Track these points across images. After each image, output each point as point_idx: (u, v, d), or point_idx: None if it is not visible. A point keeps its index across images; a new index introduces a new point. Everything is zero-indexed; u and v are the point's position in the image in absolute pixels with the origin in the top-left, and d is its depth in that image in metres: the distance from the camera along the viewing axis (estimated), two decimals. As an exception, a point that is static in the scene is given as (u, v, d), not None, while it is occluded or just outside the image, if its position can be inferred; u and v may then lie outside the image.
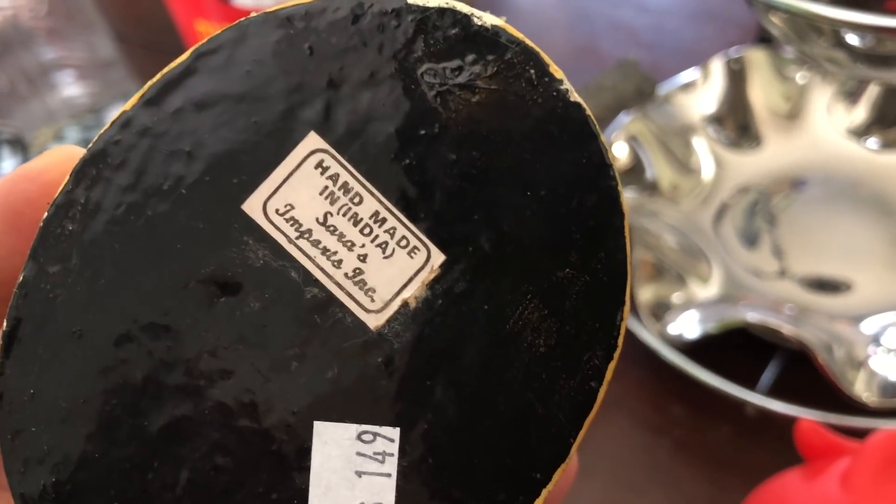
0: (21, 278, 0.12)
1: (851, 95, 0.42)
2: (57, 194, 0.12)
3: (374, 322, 0.12)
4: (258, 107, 0.12)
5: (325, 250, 0.12)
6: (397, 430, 0.12)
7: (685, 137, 0.42)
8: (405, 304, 0.12)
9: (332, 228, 0.12)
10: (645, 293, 0.35)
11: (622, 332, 0.12)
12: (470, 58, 0.12)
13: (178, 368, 0.12)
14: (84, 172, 0.12)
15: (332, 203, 0.12)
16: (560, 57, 0.52)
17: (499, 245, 0.12)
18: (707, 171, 0.41)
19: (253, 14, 0.12)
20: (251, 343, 0.12)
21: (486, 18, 0.12)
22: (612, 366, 0.12)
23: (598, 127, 0.12)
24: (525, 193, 0.12)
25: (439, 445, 0.12)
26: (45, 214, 0.12)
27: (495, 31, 0.12)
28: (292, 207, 0.12)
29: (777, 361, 0.34)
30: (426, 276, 0.12)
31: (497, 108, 0.12)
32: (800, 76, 0.42)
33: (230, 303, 0.12)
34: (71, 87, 0.50)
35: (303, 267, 0.12)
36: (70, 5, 0.48)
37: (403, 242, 0.12)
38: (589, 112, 0.12)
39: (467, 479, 0.12)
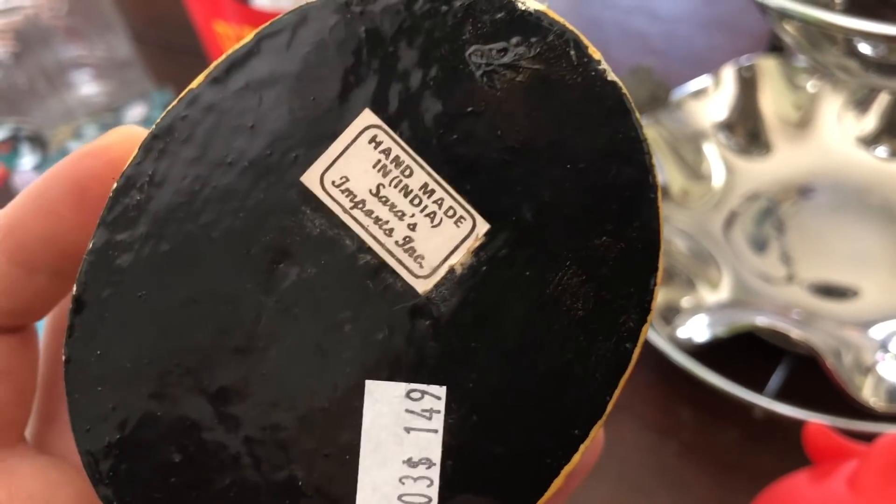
0: (90, 245, 0.13)
1: (861, 104, 0.42)
2: (126, 166, 0.13)
3: (422, 287, 0.12)
4: (317, 85, 0.13)
5: (377, 220, 0.12)
6: (444, 388, 0.12)
7: (696, 144, 0.42)
8: (452, 270, 0.12)
9: (384, 199, 0.12)
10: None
11: (655, 296, 0.12)
12: (514, 40, 0.12)
13: (237, 331, 0.12)
14: (152, 146, 0.13)
15: (384, 175, 0.12)
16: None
17: (539, 215, 0.12)
18: (717, 177, 0.41)
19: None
20: (307, 307, 0.12)
21: (529, 3, 0.13)
22: (645, 328, 0.12)
23: (633, 104, 0.12)
24: (565, 166, 0.12)
25: (483, 403, 0.12)
26: (115, 185, 0.13)
27: (538, 15, 0.12)
28: (347, 179, 0.12)
29: (785, 365, 0.35)
30: (471, 243, 0.12)
31: (539, 87, 0.12)
32: (810, 85, 0.43)
33: (287, 269, 0.12)
34: (89, 86, 0.50)
35: (356, 235, 0.12)
36: (89, 5, 0.48)
37: (451, 212, 0.12)
38: (625, 90, 0.12)
39: (509, 436, 0.12)
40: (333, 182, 0.12)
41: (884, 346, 0.33)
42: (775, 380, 0.34)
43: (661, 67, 0.48)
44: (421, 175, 0.12)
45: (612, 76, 0.12)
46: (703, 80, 0.43)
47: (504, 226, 0.12)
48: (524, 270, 0.12)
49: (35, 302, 0.15)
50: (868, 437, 0.25)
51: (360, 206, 0.12)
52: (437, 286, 0.12)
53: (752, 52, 0.45)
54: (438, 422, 0.12)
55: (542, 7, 0.13)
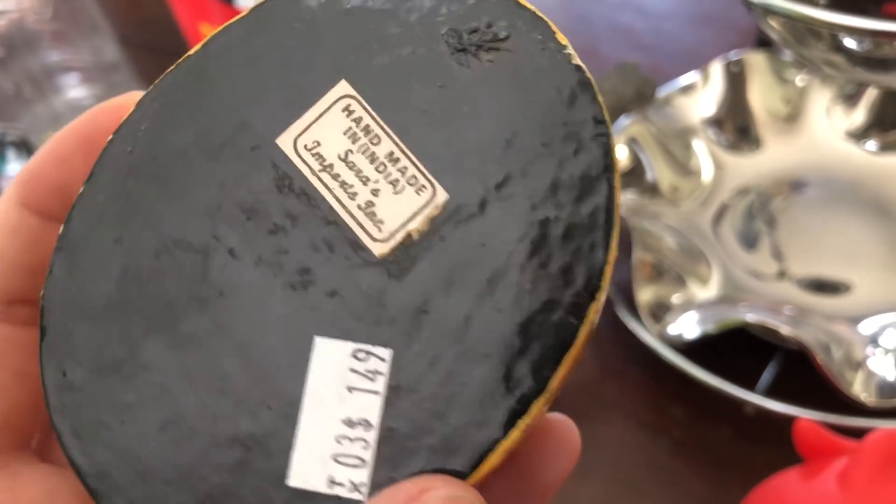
0: (81, 189, 0.14)
1: (850, 98, 0.42)
2: (122, 122, 0.14)
3: (379, 250, 0.13)
4: (299, 56, 0.13)
5: (343, 183, 0.13)
6: (389, 351, 0.12)
7: (685, 140, 0.42)
8: (408, 235, 0.13)
9: (351, 164, 0.13)
10: (645, 294, 0.35)
11: (606, 275, 0.12)
12: (486, 22, 0.13)
13: (202, 282, 0.13)
14: (144, 103, 0.14)
15: (353, 142, 0.13)
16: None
17: (497, 189, 0.13)
18: (707, 173, 0.41)
19: None
20: (270, 263, 0.13)
21: None
22: (594, 306, 0.12)
23: (596, 88, 0.13)
24: (525, 144, 0.13)
25: (425, 371, 0.12)
26: (110, 137, 0.14)
27: (509, 1, 0.13)
28: (319, 144, 0.13)
29: (776, 362, 0.35)
30: (430, 211, 0.13)
31: (506, 67, 0.13)
32: (799, 79, 0.43)
33: (255, 225, 0.13)
34: (76, 90, 0.50)
35: (322, 197, 0.13)
36: (75, 8, 0.48)
37: (412, 181, 0.13)
38: (589, 75, 0.13)
39: (448, 406, 0.12)
40: (306, 146, 0.13)
41: (874, 341, 0.33)
42: (766, 376, 0.34)
43: (649, 63, 0.48)
44: (388, 144, 0.13)
45: (576, 60, 0.13)
46: (691, 76, 0.43)
47: (462, 197, 0.13)
48: (477, 242, 0.13)
49: (48, 259, 0.15)
50: (859, 433, 0.25)
51: (329, 169, 0.13)
52: (392, 250, 0.13)
53: (741, 48, 0.45)
54: (381, 384, 0.12)
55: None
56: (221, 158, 0.13)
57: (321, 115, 0.13)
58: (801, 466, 0.26)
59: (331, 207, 0.13)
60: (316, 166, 0.13)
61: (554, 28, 0.13)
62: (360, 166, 0.13)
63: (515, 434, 0.12)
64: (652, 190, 0.40)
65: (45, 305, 0.14)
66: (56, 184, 0.15)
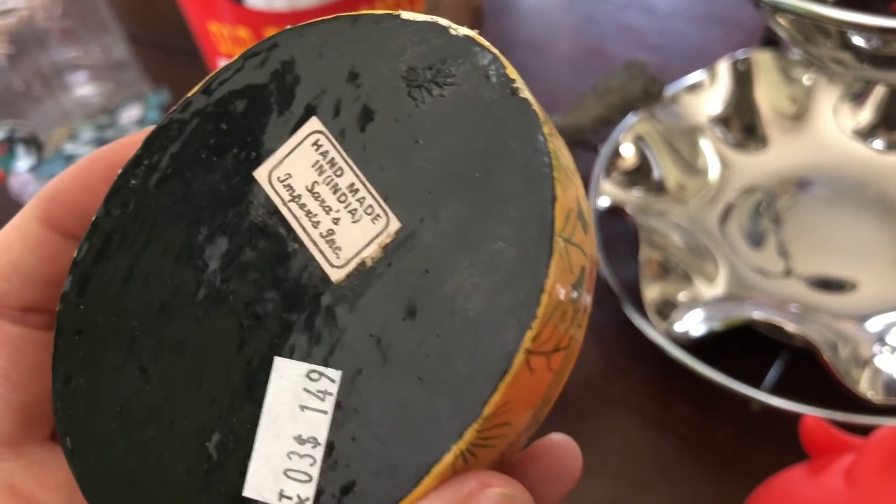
0: (94, 217, 0.16)
1: (857, 97, 0.42)
2: (130, 158, 0.16)
3: (336, 276, 0.14)
4: (278, 96, 0.15)
5: (308, 212, 0.14)
6: (339, 373, 0.13)
7: (692, 138, 0.42)
8: (363, 262, 0.14)
9: (316, 195, 0.14)
10: (651, 291, 0.35)
11: (543, 303, 0.13)
12: (441, 58, 0.14)
13: (177, 302, 0.15)
14: (150, 142, 0.16)
15: (320, 174, 0.14)
16: (568, 59, 0.52)
17: (446, 218, 0.13)
18: (713, 171, 0.41)
19: (287, 28, 0.15)
20: (238, 285, 0.14)
21: (461, 30, 0.14)
22: (529, 335, 0.13)
23: (542, 117, 0.13)
24: (473, 175, 0.13)
25: (370, 395, 0.13)
26: (119, 171, 0.16)
27: (466, 40, 0.14)
28: (290, 176, 0.14)
29: (782, 359, 0.35)
30: (382, 239, 0.14)
31: (457, 101, 0.14)
32: (806, 78, 0.43)
33: (232, 250, 0.14)
34: (85, 88, 0.50)
35: (289, 225, 0.14)
36: (84, 7, 0.48)
37: (369, 210, 0.14)
38: (536, 107, 0.13)
39: (388, 431, 0.13)
40: (279, 178, 0.14)
41: (881, 339, 0.33)
42: (773, 374, 0.34)
43: (656, 62, 0.48)
44: (350, 175, 0.14)
45: (524, 94, 0.13)
46: (698, 75, 0.43)
47: (413, 225, 0.13)
48: (424, 268, 0.13)
49: (65, 272, 0.16)
50: (865, 431, 0.25)
51: (297, 199, 0.14)
52: (348, 276, 0.14)
53: (748, 46, 0.45)
54: (329, 404, 0.13)
55: (471, 33, 0.14)
56: (210, 190, 0.15)
57: (293, 150, 0.15)
58: (808, 463, 0.26)
59: (296, 235, 0.14)
60: (286, 196, 0.14)
61: (505, 63, 0.14)
62: (324, 196, 0.14)
63: (449, 458, 0.12)
64: (659, 188, 0.40)
65: (59, 320, 0.15)
66: (78, 206, 0.16)
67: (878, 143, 0.41)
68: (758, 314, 0.33)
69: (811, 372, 0.32)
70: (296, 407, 0.13)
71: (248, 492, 0.13)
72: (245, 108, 0.15)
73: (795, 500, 0.26)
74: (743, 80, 0.43)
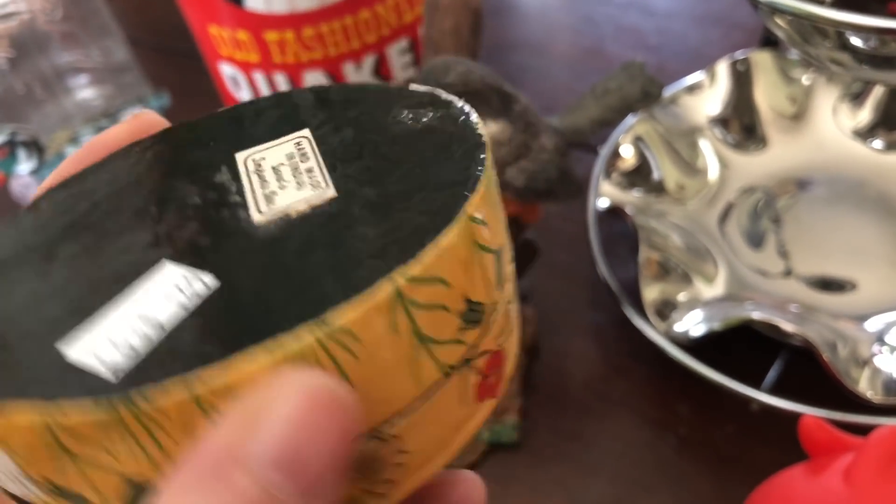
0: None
1: (857, 97, 0.42)
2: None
3: (258, 218, 0.15)
4: (289, 117, 0.18)
5: (262, 179, 0.16)
6: (217, 282, 0.14)
7: (691, 139, 0.42)
8: (287, 213, 0.15)
9: (277, 171, 0.16)
10: (651, 292, 0.36)
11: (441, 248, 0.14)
12: (425, 109, 0.17)
13: (145, 229, 0.16)
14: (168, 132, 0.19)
15: (289, 160, 0.16)
16: (567, 59, 0.52)
17: (376, 201, 0.15)
18: (713, 171, 0.42)
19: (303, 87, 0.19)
20: (173, 218, 0.16)
21: (447, 95, 0.17)
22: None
23: (489, 146, 0.16)
24: (412, 174, 0.15)
25: (241, 299, 0.14)
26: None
27: (448, 99, 0.17)
28: (264, 159, 0.17)
29: (782, 359, 0.35)
30: (314, 201, 0.15)
31: (423, 130, 0.16)
32: (805, 78, 0.43)
33: (183, 197, 0.16)
34: (86, 91, 0.50)
35: (241, 186, 0.16)
36: (85, 10, 0.49)
37: (315, 182, 0.16)
38: (486, 140, 0.16)
39: (234, 341, 0.12)
40: (254, 160, 0.17)
41: (880, 339, 0.33)
42: (772, 374, 0.34)
43: (655, 63, 0.48)
44: (312, 161, 0.16)
45: (481, 129, 0.16)
46: (697, 75, 0.43)
47: (345, 197, 0.15)
48: (341, 229, 0.14)
49: None
50: (865, 430, 0.25)
51: (259, 171, 0.16)
52: (269, 221, 0.15)
53: (747, 47, 0.45)
54: (192, 304, 0.14)
55: (454, 98, 0.17)
56: (195, 160, 0.17)
57: (277, 145, 0.17)
58: (807, 463, 0.27)
59: (242, 191, 0.16)
60: (252, 169, 0.16)
61: (475, 114, 0.16)
62: (282, 172, 0.16)
63: (383, 293, 0.13)
64: (658, 189, 0.40)
65: None
66: None
67: (878, 143, 0.41)
68: (757, 314, 0.33)
69: (811, 372, 0.32)
70: (160, 295, 0.14)
71: (72, 352, 0.13)
72: (259, 123, 0.18)
73: (795, 499, 0.26)
74: (742, 80, 0.43)
